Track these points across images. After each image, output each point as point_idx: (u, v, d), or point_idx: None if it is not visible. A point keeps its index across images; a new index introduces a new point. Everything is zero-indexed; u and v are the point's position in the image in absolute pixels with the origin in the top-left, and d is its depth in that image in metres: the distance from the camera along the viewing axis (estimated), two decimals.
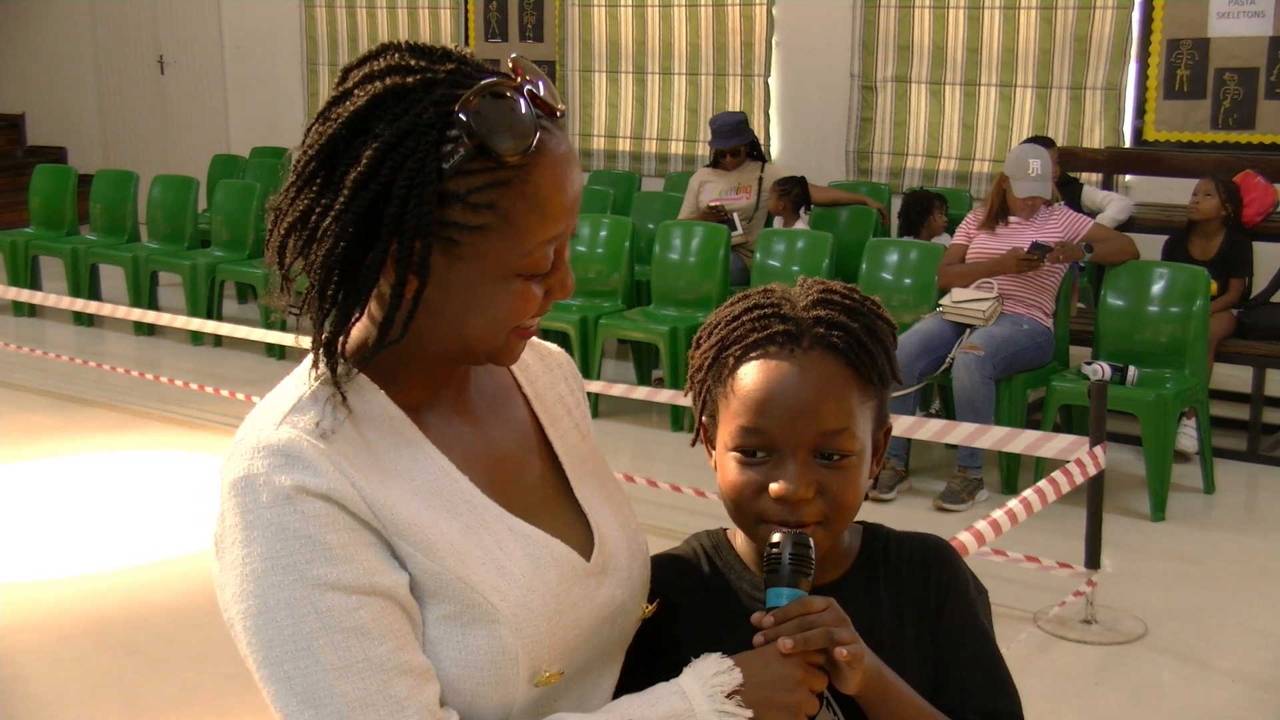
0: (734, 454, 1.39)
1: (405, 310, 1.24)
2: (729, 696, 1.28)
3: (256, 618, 1.20)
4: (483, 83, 1.22)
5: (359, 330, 1.32)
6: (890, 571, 1.45)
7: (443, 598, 1.24)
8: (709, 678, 1.29)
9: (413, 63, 1.24)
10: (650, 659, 1.43)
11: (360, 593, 1.19)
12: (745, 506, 1.38)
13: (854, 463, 1.37)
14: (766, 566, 1.34)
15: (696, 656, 1.42)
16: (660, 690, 1.29)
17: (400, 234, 1.21)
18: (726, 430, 1.40)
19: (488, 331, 1.28)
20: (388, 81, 1.22)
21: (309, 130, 1.26)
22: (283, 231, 1.26)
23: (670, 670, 1.36)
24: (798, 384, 1.36)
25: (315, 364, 1.27)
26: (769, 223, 7.61)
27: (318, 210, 1.23)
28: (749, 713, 1.28)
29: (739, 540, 1.49)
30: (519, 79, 1.25)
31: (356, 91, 1.23)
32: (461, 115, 1.20)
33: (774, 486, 1.35)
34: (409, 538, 1.23)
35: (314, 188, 1.23)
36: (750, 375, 1.38)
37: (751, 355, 1.39)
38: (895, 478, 5.64)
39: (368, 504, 1.22)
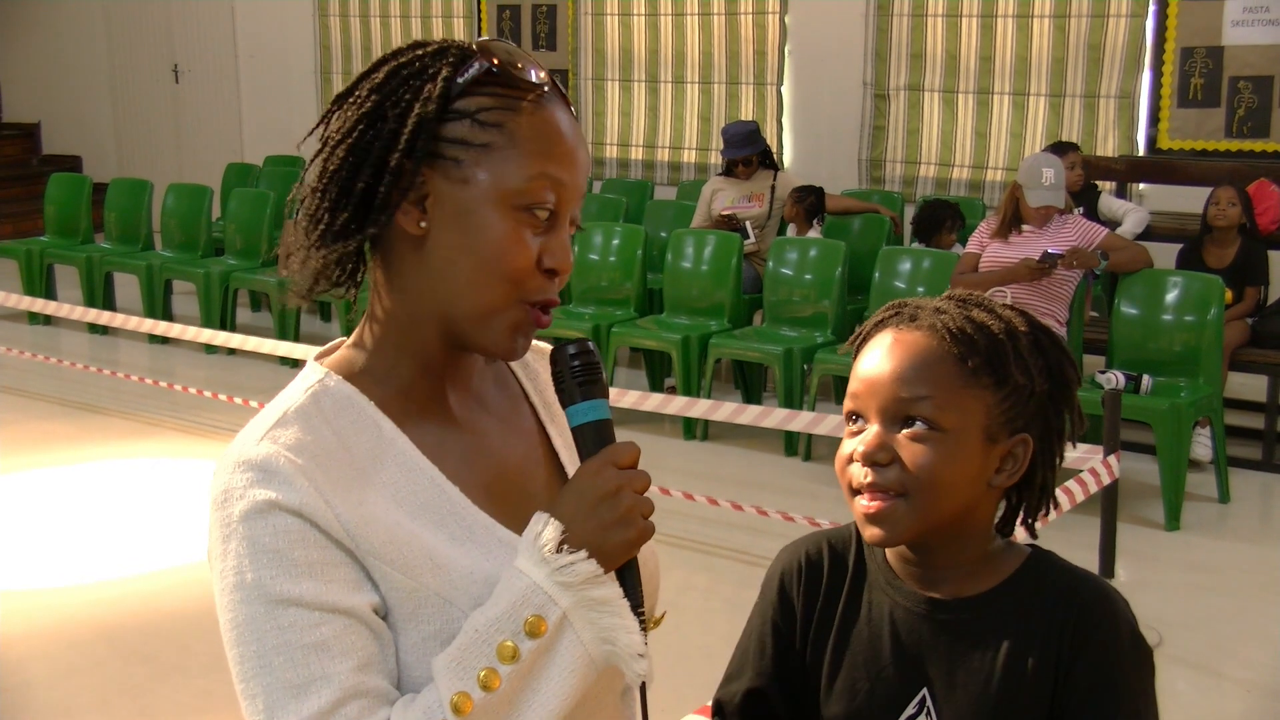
0: (847, 428, 1.42)
1: (393, 204, 1.25)
2: (559, 551, 1.20)
3: (229, 632, 1.21)
4: (499, 39, 1.29)
5: (348, 351, 1.33)
6: (1041, 603, 1.40)
7: (421, 618, 1.22)
8: (533, 543, 1.21)
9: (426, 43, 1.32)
10: (789, 649, 1.47)
11: (323, 609, 1.18)
12: (843, 476, 1.41)
13: (941, 439, 1.35)
14: (556, 389, 1.31)
15: (825, 647, 1.44)
16: (501, 581, 1.22)
17: (410, 148, 1.23)
18: None
19: (483, 283, 1.25)
20: (403, 48, 1.30)
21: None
22: (313, 204, 1.28)
23: (814, 665, 1.44)
24: (890, 351, 1.39)
25: (309, 290, 1.30)
26: (781, 230, 7.61)
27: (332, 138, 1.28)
28: (584, 553, 1.20)
29: None
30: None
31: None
32: (475, 49, 1.27)
33: (856, 449, 1.38)
34: (385, 556, 1.22)
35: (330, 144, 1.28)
36: (862, 351, 1.43)
37: (870, 337, 1.44)
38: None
39: (341, 522, 1.21)
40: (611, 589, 1.22)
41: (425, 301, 1.28)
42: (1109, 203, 7.24)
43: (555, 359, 1.31)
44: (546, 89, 1.27)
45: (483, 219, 1.24)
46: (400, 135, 1.23)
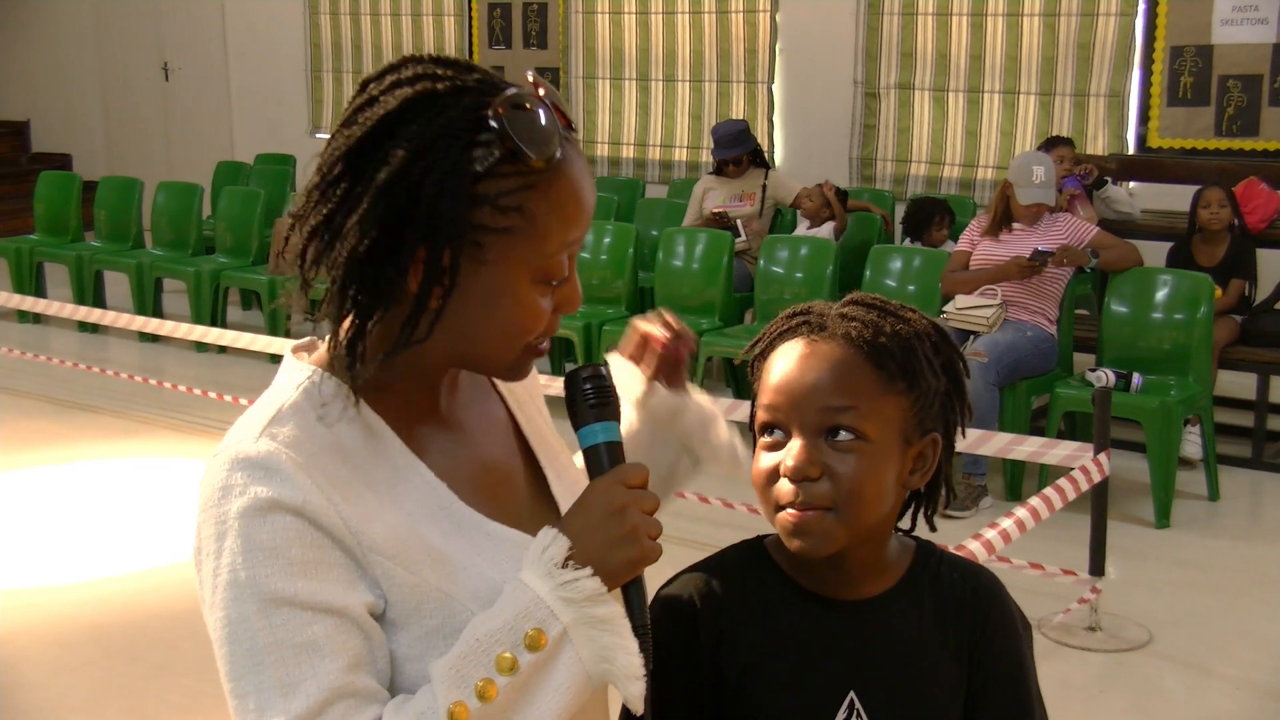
0: (760, 442, 1.41)
1: (431, 315, 1.23)
2: (564, 566, 1.21)
3: (220, 630, 1.20)
4: (510, 92, 1.24)
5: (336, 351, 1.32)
6: (939, 595, 1.45)
7: (424, 613, 1.23)
8: (539, 557, 1.22)
9: (439, 71, 1.25)
10: (699, 689, 1.43)
11: (316, 609, 1.18)
12: (765, 493, 1.39)
13: (866, 448, 1.36)
14: (569, 410, 1.33)
15: (745, 678, 1.41)
16: (504, 593, 1.23)
17: (431, 236, 1.21)
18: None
19: (498, 342, 1.28)
20: (418, 87, 1.23)
21: (332, 135, 1.26)
22: (304, 236, 1.25)
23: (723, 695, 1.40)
24: (806, 362, 1.38)
25: (330, 370, 1.27)
26: (774, 228, 7.61)
27: (342, 211, 1.23)
28: (589, 570, 1.21)
29: (779, 549, 1.47)
30: (540, 91, 1.27)
31: (384, 98, 1.24)
32: (493, 121, 1.21)
33: (783, 465, 1.36)
34: (385, 551, 1.22)
35: (339, 190, 1.24)
36: (772, 361, 1.42)
37: (775, 345, 1.43)
38: (979, 493, 5.56)
39: (343, 519, 1.21)
40: (613, 608, 1.22)
41: (437, 348, 1.28)
42: (1118, 194, 7.26)
43: (568, 382, 1.33)
44: (559, 155, 1.24)
45: (504, 297, 1.25)
46: (434, 227, 1.21)
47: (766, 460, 1.39)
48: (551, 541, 1.22)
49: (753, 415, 1.47)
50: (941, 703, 1.41)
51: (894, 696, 1.41)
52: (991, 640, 1.44)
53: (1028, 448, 4.61)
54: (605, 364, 1.36)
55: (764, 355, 1.44)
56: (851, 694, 1.41)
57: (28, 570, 4.99)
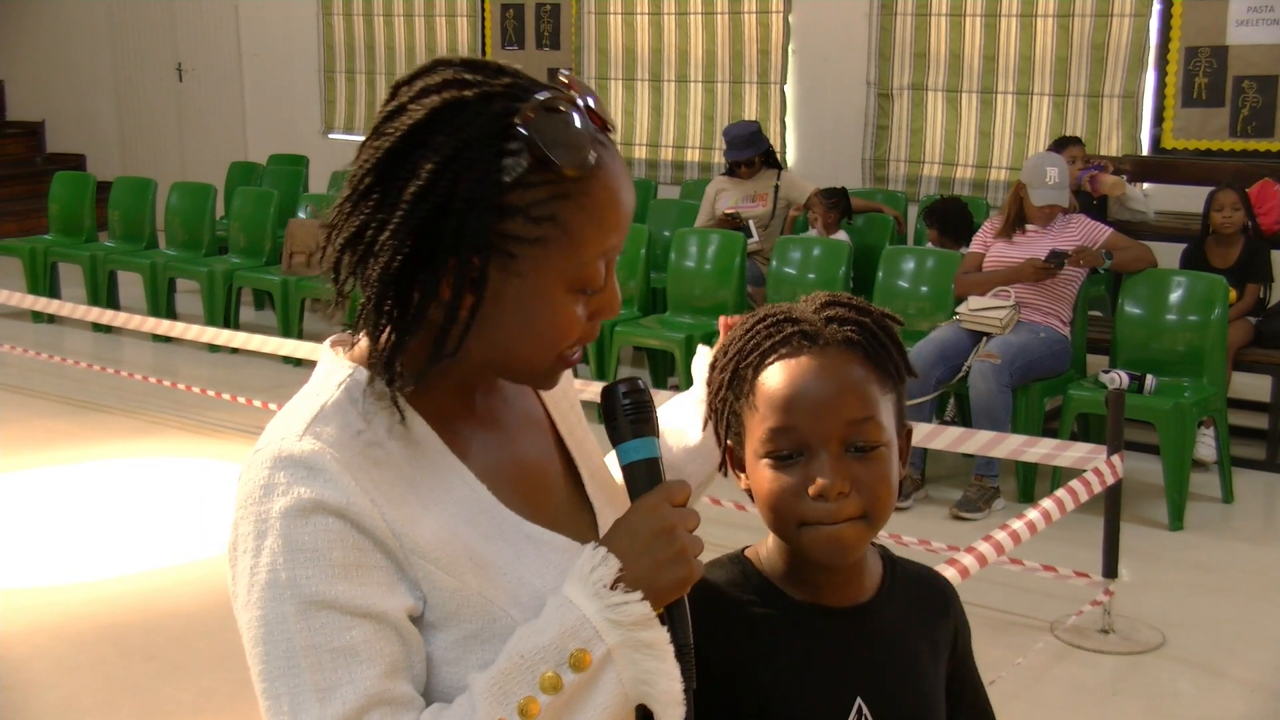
0: (766, 460, 1.38)
1: (462, 326, 1.22)
2: (614, 587, 1.20)
3: (255, 629, 1.19)
4: (540, 97, 1.22)
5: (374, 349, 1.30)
6: (912, 595, 1.49)
7: (463, 617, 1.22)
8: (587, 576, 1.21)
9: (468, 77, 1.23)
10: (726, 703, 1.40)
11: (354, 613, 1.18)
12: (785, 512, 1.37)
13: (884, 454, 1.36)
14: (607, 426, 1.32)
15: (755, 690, 1.39)
16: (548, 609, 1.21)
17: (460, 248, 1.20)
18: (755, 439, 1.39)
19: (532, 352, 1.27)
20: (445, 95, 1.22)
21: (362, 146, 1.25)
22: (338, 247, 1.24)
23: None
24: (820, 377, 1.36)
25: (372, 379, 1.25)
26: (791, 229, 7.60)
27: (374, 225, 1.21)
28: (639, 594, 1.20)
29: (763, 556, 1.46)
30: (573, 93, 1.25)
31: (412, 106, 1.22)
32: (522, 129, 1.19)
33: (812, 485, 1.34)
34: (428, 554, 1.22)
35: (370, 202, 1.22)
36: (773, 377, 1.38)
37: (770, 359, 1.39)
38: (912, 486, 5.63)
39: (386, 522, 1.20)
40: (659, 633, 1.22)
41: (478, 348, 1.26)
42: (1134, 195, 7.23)
43: (606, 397, 1.32)
44: (593, 158, 1.22)
45: (539, 307, 1.24)
46: (464, 240, 1.19)
47: (782, 478, 1.37)
48: (601, 561, 1.22)
49: (723, 421, 1.44)
50: (931, 697, 1.45)
51: (894, 698, 1.42)
52: (959, 633, 1.52)
53: (1041, 449, 4.60)
54: (640, 378, 1.34)
55: (755, 367, 1.40)
56: (859, 700, 1.41)
57: (40, 569, 5.00)
